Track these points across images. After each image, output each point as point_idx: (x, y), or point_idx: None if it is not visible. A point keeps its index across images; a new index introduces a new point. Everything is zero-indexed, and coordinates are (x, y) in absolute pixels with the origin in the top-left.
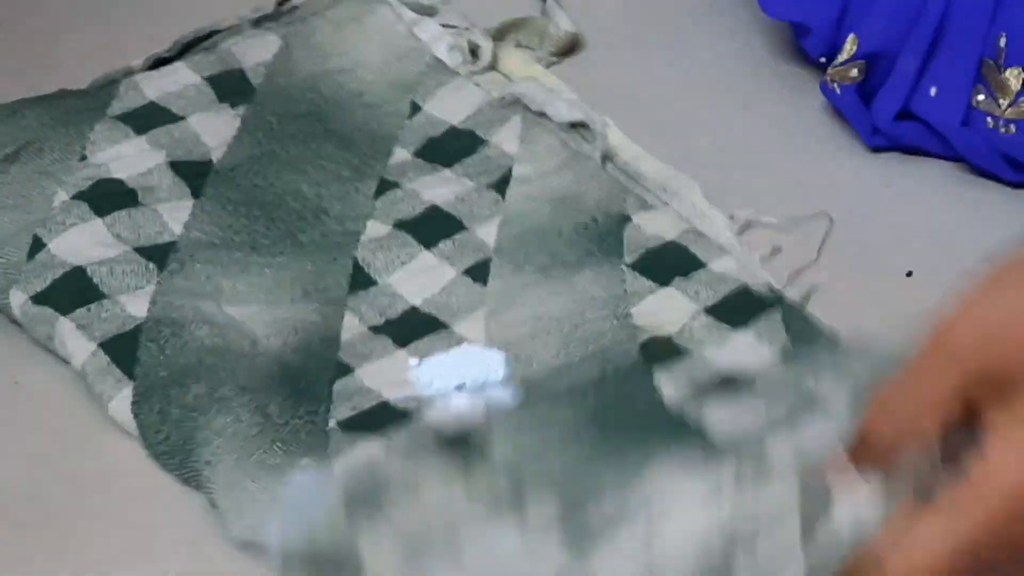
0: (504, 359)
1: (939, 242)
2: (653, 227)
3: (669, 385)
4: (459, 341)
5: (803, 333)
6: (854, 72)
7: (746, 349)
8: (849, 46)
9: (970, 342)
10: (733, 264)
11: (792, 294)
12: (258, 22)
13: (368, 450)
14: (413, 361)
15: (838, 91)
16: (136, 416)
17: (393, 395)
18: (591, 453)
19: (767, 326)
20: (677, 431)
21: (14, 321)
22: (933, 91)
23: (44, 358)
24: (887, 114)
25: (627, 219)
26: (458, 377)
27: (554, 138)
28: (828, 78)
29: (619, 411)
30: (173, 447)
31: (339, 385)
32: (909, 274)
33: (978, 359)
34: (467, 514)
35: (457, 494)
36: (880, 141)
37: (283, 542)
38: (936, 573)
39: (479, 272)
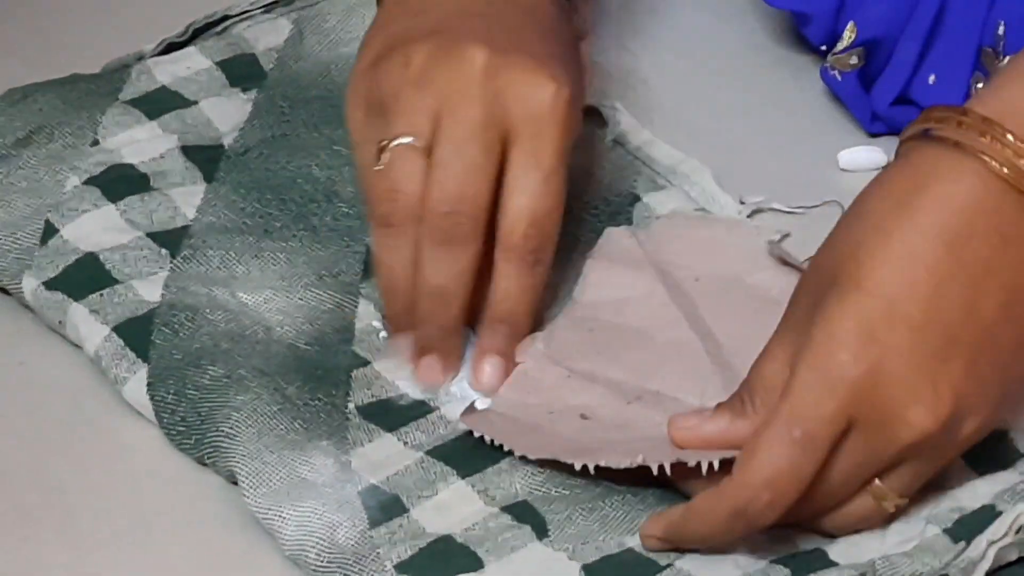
0: None
1: None
2: (663, 207)
3: None
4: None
5: None
6: (853, 59)
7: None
8: (848, 34)
9: None
10: None
11: None
12: (270, 7)
13: (388, 449)
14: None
15: (838, 78)
16: (152, 398)
17: (411, 388)
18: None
19: None
20: None
21: (25, 305)
22: (932, 79)
23: (50, 339)
24: (885, 100)
25: (637, 198)
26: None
27: None
28: (828, 65)
29: None
30: (190, 427)
31: (357, 373)
32: None
33: None
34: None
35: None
36: (879, 127)
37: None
38: None
39: None
